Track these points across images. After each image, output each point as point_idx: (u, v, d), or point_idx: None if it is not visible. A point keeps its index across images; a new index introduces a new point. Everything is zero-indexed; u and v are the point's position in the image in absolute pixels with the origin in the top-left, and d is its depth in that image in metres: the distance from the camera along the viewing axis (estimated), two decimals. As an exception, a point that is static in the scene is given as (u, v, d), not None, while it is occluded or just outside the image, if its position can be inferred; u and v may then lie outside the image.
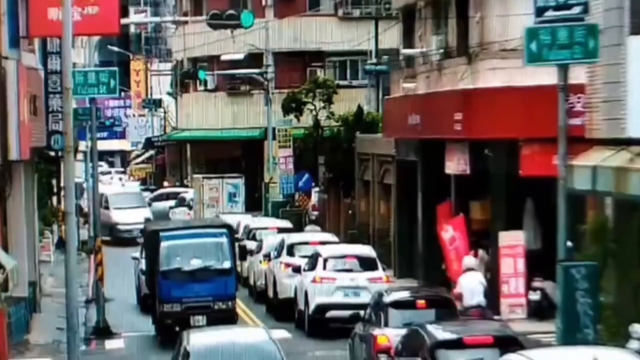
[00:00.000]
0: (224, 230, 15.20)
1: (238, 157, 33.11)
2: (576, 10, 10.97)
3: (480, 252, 15.77)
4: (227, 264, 14.74)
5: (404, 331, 10.30)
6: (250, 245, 20.54)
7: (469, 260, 13.86)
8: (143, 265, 16.51)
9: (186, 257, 14.72)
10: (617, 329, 10.69)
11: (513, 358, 7.55)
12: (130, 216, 27.76)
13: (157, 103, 40.21)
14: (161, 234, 15.04)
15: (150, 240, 15.33)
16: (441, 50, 17.60)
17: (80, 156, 24.66)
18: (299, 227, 23.27)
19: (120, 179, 43.17)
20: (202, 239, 14.94)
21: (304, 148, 27.38)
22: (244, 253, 18.19)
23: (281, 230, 20.30)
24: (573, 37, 10.87)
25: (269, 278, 17.60)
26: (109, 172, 44.00)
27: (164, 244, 14.74)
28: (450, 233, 15.93)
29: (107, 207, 28.43)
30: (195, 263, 14.69)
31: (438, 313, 11.17)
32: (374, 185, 22.31)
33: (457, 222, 16.22)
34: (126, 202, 28.92)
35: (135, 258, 18.30)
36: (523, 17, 13.15)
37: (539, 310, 14.83)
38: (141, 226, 22.10)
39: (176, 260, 14.70)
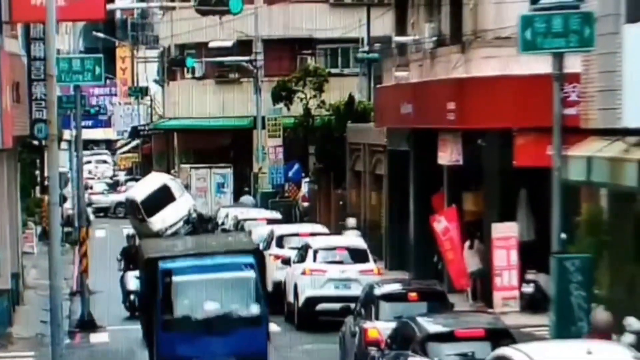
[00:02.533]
0: (250, 257, 10.86)
1: (226, 146, 32.84)
2: (571, -3, 10.75)
3: (476, 242, 15.64)
4: (255, 309, 10.65)
5: (395, 324, 10.13)
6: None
7: (352, 220, 18.90)
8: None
9: (197, 299, 10.55)
10: (611, 322, 10.53)
11: (505, 352, 7.39)
12: (170, 215, 21.99)
13: (144, 91, 39.80)
14: (161, 264, 10.78)
15: (147, 270, 11.13)
16: (434, 38, 17.39)
17: (64, 145, 24.25)
18: (288, 219, 23.07)
19: (115, 172, 42.39)
20: (220, 274, 10.61)
21: (294, 138, 27.14)
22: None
23: (270, 221, 20.09)
24: (568, 25, 10.69)
25: (258, 270, 17.44)
26: (89, 162, 43.30)
27: (165, 280, 10.60)
28: (443, 224, 15.79)
29: (143, 220, 22.93)
30: (211, 308, 10.56)
31: (430, 306, 11.03)
32: (365, 175, 22.14)
33: (450, 213, 16.06)
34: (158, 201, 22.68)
35: (131, 290, 15.04)
36: (518, 5, 12.94)
37: (533, 303, 14.71)
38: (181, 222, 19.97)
39: (183, 304, 10.57)
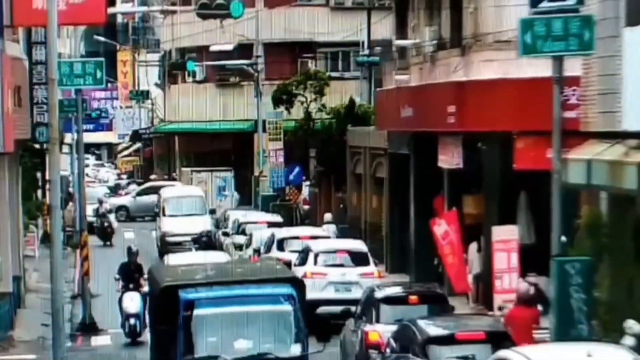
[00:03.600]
0: (288, 288, 8.83)
1: (227, 150, 32.91)
2: (571, 1, 10.81)
3: (483, 245, 15.68)
4: (295, 350, 8.63)
5: (395, 327, 10.16)
6: (240, 239, 20.34)
7: (328, 215, 20.72)
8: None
9: (226, 336, 8.59)
10: (611, 324, 10.59)
11: (506, 354, 7.44)
12: (183, 225, 21.99)
13: (145, 94, 39.90)
14: (182, 294, 8.72)
15: (163, 301, 8.95)
16: (434, 42, 17.43)
17: (65, 149, 24.30)
18: (289, 222, 23.12)
19: (120, 176, 42.30)
20: (253, 307, 8.65)
21: (295, 141, 27.20)
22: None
23: (271, 224, 20.15)
24: (568, 28, 10.71)
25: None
26: (87, 165, 43.11)
27: (187, 313, 8.58)
28: (443, 227, 15.80)
29: (158, 214, 23.89)
30: (242, 347, 8.58)
31: (430, 309, 11.10)
32: (366, 178, 22.16)
33: (450, 216, 16.09)
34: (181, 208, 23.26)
35: (131, 314, 14.02)
36: (517, 8, 12.97)
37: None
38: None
39: (208, 342, 8.59)
